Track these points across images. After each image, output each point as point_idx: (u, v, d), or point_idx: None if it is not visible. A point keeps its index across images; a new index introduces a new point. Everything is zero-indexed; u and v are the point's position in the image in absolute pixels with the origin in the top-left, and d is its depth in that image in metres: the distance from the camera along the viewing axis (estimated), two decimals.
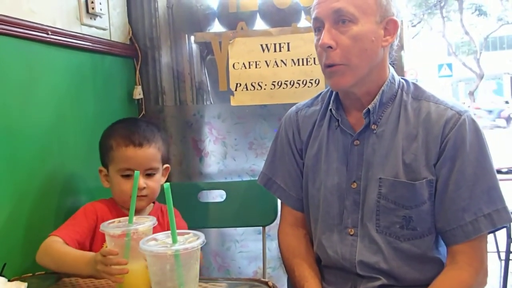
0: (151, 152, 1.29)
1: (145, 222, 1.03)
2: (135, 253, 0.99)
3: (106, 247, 1.02)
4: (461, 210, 1.05)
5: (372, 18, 1.06)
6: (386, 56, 1.13)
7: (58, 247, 1.15)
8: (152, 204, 1.38)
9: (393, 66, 1.19)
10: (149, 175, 1.30)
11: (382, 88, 1.13)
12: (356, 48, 1.06)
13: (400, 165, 1.09)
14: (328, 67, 1.10)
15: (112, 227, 1.02)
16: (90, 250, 1.24)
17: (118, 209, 1.31)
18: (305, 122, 1.25)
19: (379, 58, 1.10)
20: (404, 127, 1.11)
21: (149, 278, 0.97)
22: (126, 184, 1.27)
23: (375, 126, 1.13)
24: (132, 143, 1.27)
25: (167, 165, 1.39)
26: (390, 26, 1.09)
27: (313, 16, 1.11)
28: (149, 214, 1.34)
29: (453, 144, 1.05)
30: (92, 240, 1.26)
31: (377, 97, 1.12)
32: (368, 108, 1.11)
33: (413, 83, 1.17)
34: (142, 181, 1.26)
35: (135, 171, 1.07)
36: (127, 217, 1.05)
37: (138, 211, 1.28)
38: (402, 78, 1.18)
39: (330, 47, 1.06)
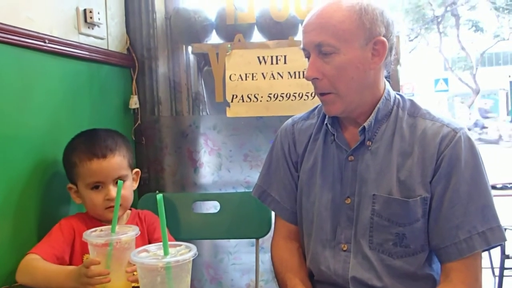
0: (116, 160, 1.27)
1: (128, 232, 1.03)
2: (117, 263, 0.98)
3: (87, 258, 1.01)
4: (455, 228, 1.05)
5: (355, 44, 1.06)
6: (378, 75, 1.12)
7: (37, 264, 1.14)
8: (128, 212, 1.36)
9: (388, 81, 1.19)
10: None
11: (378, 105, 1.12)
12: (342, 77, 1.07)
13: (394, 182, 1.09)
14: (319, 95, 1.12)
15: (94, 236, 1.02)
16: (70, 264, 1.22)
17: (95, 222, 1.28)
18: (301, 135, 1.25)
19: (369, 81, 1.10)
20: (399, 143, 1.11)
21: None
22: (97, 197, 1.25)
23: (370, 143, 1.13)
24: (95, 155, 1.25)
25: (136, 169, 1.37)
26: (378, 46, 1.07)
27: (301, 46, 1.12)
28: (127, 223, 1.32)
29: (448, 161, 1.05)
30: (72, 254, 1.24)
31: (372, 114, 1.12)
32: (364, 126, 1.11)
33: (409, 99, 1.17)
34: (112, 191, 1.24)
35: (119, 181, 1.08)
36: (109, 226, 1.04)
37: None
38: (397, 94, 1.18)
39: (316, 78, 1.08)
